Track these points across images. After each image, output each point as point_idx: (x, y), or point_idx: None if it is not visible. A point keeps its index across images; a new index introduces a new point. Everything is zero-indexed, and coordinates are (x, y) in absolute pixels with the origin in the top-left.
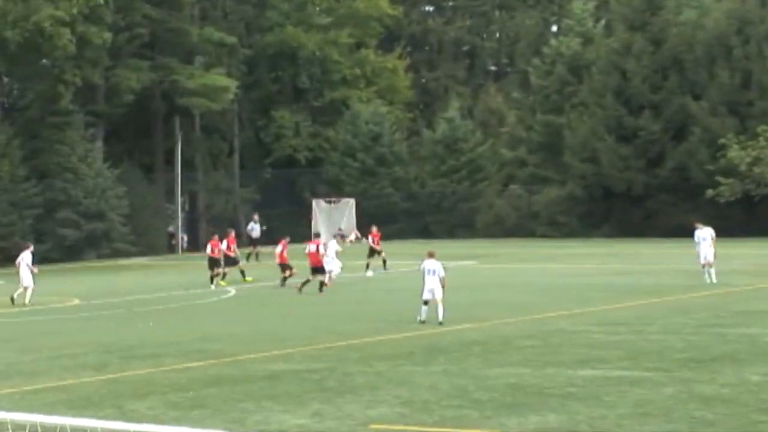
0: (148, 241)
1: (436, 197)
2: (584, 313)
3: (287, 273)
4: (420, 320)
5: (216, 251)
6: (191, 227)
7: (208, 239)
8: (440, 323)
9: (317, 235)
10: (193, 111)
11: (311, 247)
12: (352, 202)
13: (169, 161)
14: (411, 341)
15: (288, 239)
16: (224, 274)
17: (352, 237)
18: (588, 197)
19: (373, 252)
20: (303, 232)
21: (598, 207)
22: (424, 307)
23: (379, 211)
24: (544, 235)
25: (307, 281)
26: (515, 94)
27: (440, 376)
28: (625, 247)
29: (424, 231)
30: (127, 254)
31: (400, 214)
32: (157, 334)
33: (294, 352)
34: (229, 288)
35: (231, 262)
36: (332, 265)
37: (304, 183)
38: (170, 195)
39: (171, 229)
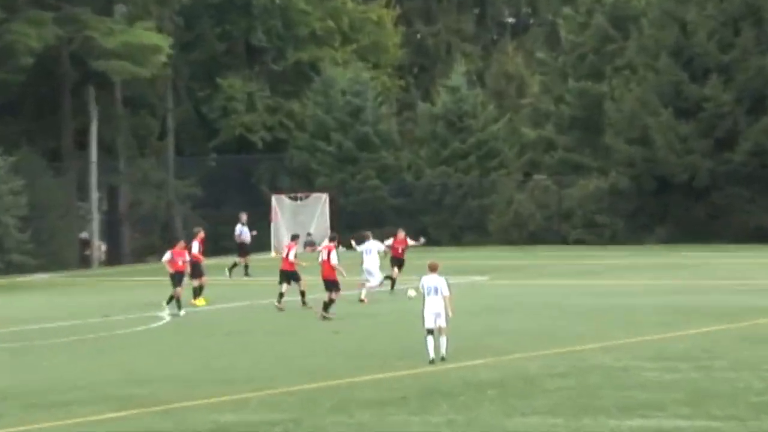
0: (53, 251)
1: (435, 191)
2: (632, 344)
3: (301, 285)
4: (430, 359)
5: (181, 263)
6: (111, 233)
7: (172, 246)
8: (443, 358)
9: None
10: (112, 78)
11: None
12: (324, 198)
13: (82, 145)
14: (404, 382)
15: (294, 241)
16: (200, 289)
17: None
18: (637, 191)
19: (398, 263)
20: (260, 239)
21: (651, 204)
22: (430, 339)
23: (362, 210)
24: (578, 241)
25: (332, 301)
26: (540, 54)
27: (443, 430)
28: (686, 256)
29: (420, 236)
30: (26, 269)
31: (388, 214)
32: (67, 374)
33: (249, 397)
34: (162, 313)
35: (197, 272)
36: (371, 273)
37: (262, 173)
38: (83, 190)
39: (84, 235)
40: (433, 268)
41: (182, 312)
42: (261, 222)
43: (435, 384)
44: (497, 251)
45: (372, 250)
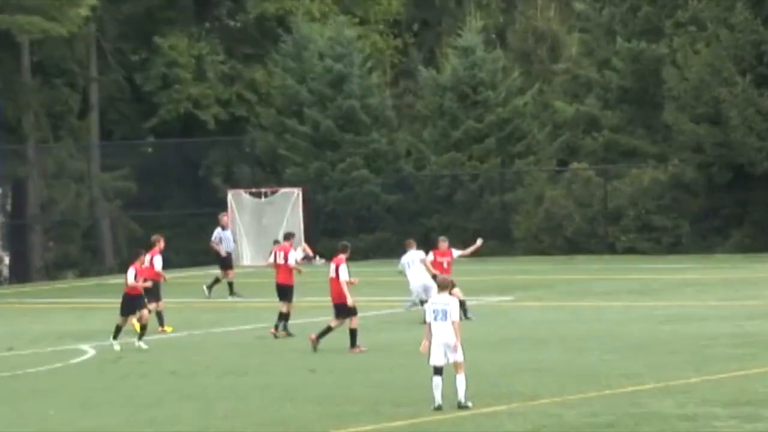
0: None
1: (443, 185)
2: (701, 385)
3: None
4: (436, 405)
5: (138, 279)
6: (16, 241)
7: (132, 259)
8: (463, 405)
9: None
10: (19, 38)
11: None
12: (296, 194)
13: None
14: None
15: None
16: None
17: (299, 254)
18: (706, 184)
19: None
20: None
21: (724, 201)
22: (437, 380)
23: (345, 210)
24: (630, 250)
25: (328, 329)
26: (579, 5)
27: None
28: None
29: (424, 244)
30: None
31: (381, 215)
32: None
33: None
34: (85, 346)
35: (156, 294)
36: (415, 284)
37: (214, 162)
38: None
39: None
40: (444, 286)
41: (139, 344)
42: (213, 226)
43: None
44: (524, 263)
45: (415, 261)
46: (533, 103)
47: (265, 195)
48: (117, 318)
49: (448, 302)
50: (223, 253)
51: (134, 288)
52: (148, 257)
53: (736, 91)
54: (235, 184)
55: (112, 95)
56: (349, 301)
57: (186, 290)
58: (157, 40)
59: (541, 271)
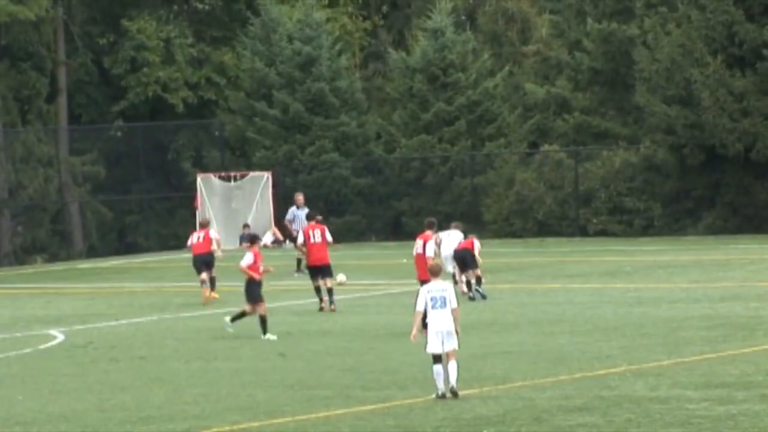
0: None
1: (413, 168)
2: (672, 368)
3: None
4: (439, 394)
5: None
6: None
7: (248, 242)
8: (454, 392)
9: (311, 217)
10: None
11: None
12: (266, 177)
13: None
14: (371, 421)
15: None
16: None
17: (269, 238)
18: (678, 166)
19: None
20: (184, 230)
21: (697, 182)
22: (439, 369)
23: (315, 193)
24: (602, 233)
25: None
26: None
27: None
28: (742, 250)
29: (394, 227)
30: None
31: (351, 199)
32: None
33: None
34: (54, 331)
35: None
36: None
37: (183, 146)
38: None
39: None
40: (435, 273)
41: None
42: (182, 210)
43: (414, 422)
44: (495, 246)
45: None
46: (504, 85)
47: (235, 179)
48: (246, 306)
49: (446, 288)
50: (293, 232)
51: (257, 273)
52: (201, 234)
53: (707, 72)
54: (205, 168)
55: (80, 79)
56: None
57: (155, 274)
58: (125, 23)
59: (512, 254)
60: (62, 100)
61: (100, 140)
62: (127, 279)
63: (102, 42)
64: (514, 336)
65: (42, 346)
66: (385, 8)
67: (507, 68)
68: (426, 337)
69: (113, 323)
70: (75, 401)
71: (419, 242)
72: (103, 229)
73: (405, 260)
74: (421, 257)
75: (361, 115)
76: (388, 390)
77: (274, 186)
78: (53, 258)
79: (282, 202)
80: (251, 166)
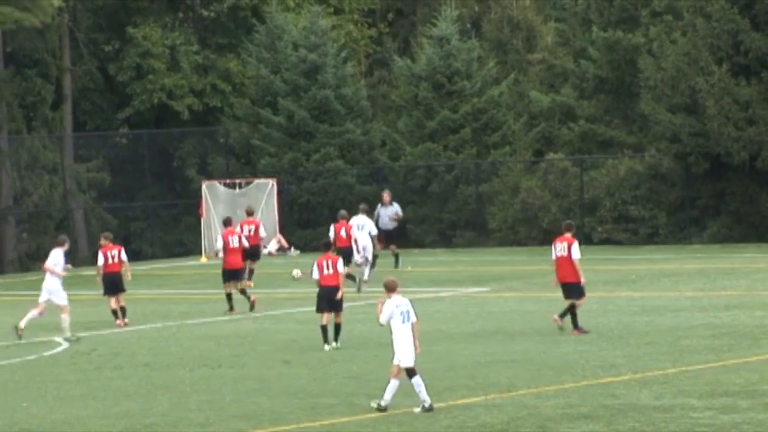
0: None
1: (418, 176)
2: (677, 376)
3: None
4: (379, 404)
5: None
6: None
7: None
8: (426, 407)
9: (343, 218)
10: None
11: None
12: (271, 184)
13: None
14: (376, 429)
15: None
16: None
17: (273, 246)
18: (683, 175)
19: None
20: (189, 237)
21: (702, 191)
22: (394, 383)
23: (320, 201)
24: (607, 241)
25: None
26: None
27: None
28: (749, 260)
29: (399, 235)
30: None
31: (356, 206)
32: None
33: None
34: (58, 338)
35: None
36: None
37: (188, 153)
38: None
39: None
40: (393, 288)
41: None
42: (187, 217)
43: (418, 430)
44: (500, 254)
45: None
46: (509, 93)
47: (240, 186)
48: (324, 318)
49: (408, 303)
50: (389, 226)
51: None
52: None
53: (712, 80)
54: (210, 175)
55: (85, 86)
56: (583, 280)
57: (160, 281)
58: (130, 30)
59: (516, 262)
60: (67, 107)
61: (105, 147)
62: (131, 286)
63: (107, 49)
64: (519, 344)
65: (46, 353)
66: (390, 16)
67: (512, 76)
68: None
69: (117, 330)
70: (79, 408)
71: (561, 245)
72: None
73: (410, 268)
74: (566, 260)
75: (366, 123)
76: (398, 397)
77: (279, 193)
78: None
79: (287, 209)
80: (256, 173)
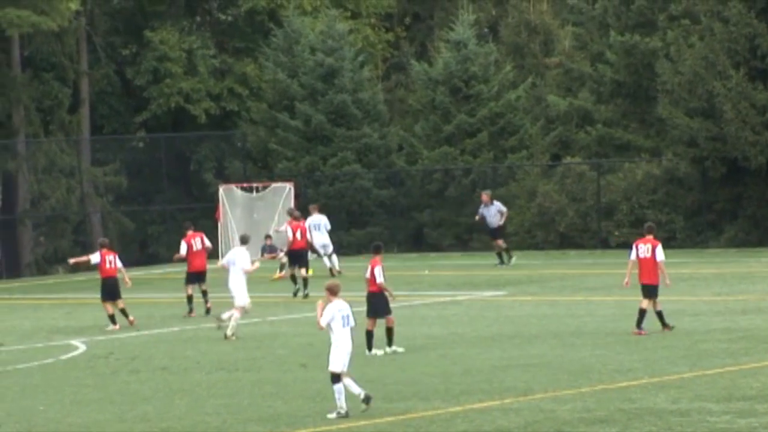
0: None
1: (435, 180)
2: (694, 380)
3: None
4: (342, 412)
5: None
6: (7, 236)
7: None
8: (365, 399)
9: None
10: (8, 32)
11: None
12: (288, 188)
13: None
14: None
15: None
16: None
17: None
18: (700, 179)
19: None
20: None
21: (719, 195)
22: (339, 387)
23: (337, 204)
24: (624, 245)
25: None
26: None
27: None
28: (766, 264)
29: (416, 239)
30: None
31: (373, 210)
32: None
33: None
34: (76, 342)
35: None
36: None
37: (205, 157)
38: None
39: None
40: (335, 292)
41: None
42: (204, 221)
43: None
44: (517, 258)
45: (320, 226)
46: (526, 97)
47: (257, 190)
48: (367, 322)
49: (349, 307)
50: (493, 224)
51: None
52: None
53: (729, 84)
54: (227, 179)
55: (102, 89)
56: (668, 281)
57: (177, 285)
58: (147, 34)
59: (533, 266)
60: (85, 110)
61: (123, 151)
62: (148, 290)
63: (125, 53)
64: (536, 348)
65: (63, 357)
66: (407, 20)
67: (529, 80)
68: (330, 354)
69: (134, 334)
70: (96, 412)
71: (645, 246)
72: (125, 240)
73: (427, 271)
74: (650, 261)
75: (383, 127)
76: (409, 401)
77: (296, 197)
78: (75, 268)
79: (304, 213)
80: (273, 177)
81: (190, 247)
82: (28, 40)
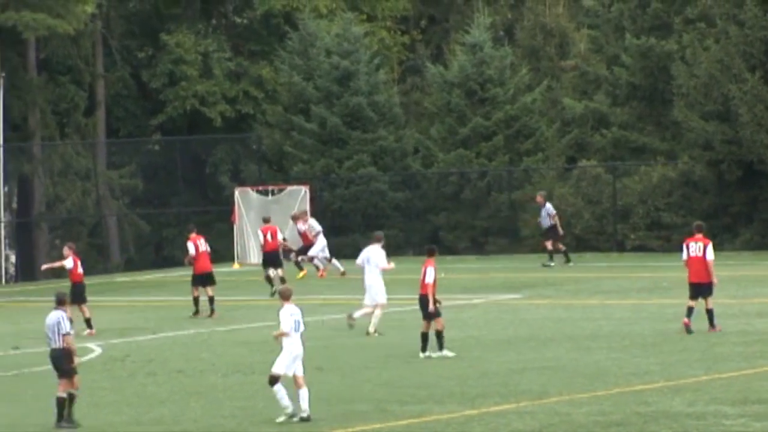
0: None
1: (450, 183)
2: (709, 383)
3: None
4: (288, 412)
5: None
6: (22, 239)
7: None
8: (306, 418)
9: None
10: (25, 35)
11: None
12: (303, 191)
13: None
14: None
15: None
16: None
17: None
18: (716, 182)
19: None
20: (222, 244)
21: (735, 198)
22: (278, 387)
23: (352, 207)
24: (640, 248)
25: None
26: (587, 1)
27: None
28: None
29: (431, 241)
30: None
31: (389, 213)
32: None
33: None
34: (92, 345)
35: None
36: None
37: (221, 160)
38: None
39: None
40: (287, 297)
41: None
42: (220, 224)
43: None
44: (532, 261)
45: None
46: (542, 100)
47: (272, 192)
48: (422, 324)
49: (300, 312)
50: (543, 225)
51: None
52: None
53: (745, 87)
54: (242, 182)
55: (118, 92)
56: (715, 280)
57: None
58: (163, 36)
59: (549, 269)
60: (100, 113)
61: (138, 154)
62: (164, 292)
63: (140, 56)
64: (551, 351)
65: (79, 360)
66: (423, 23)
67: (545, 83)
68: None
69: (151, 336)
70: (112, 414)
71: (696, 245)
72: (141, 243)
73: (443, 274)
74: (700, 260)
75: (398, 130)
76: (425, 404)
77: (311, 200)
78: (90, 271)
79: (320, 216)
80: (289, 180)
81: (196, 248)
82: (44, 43)
